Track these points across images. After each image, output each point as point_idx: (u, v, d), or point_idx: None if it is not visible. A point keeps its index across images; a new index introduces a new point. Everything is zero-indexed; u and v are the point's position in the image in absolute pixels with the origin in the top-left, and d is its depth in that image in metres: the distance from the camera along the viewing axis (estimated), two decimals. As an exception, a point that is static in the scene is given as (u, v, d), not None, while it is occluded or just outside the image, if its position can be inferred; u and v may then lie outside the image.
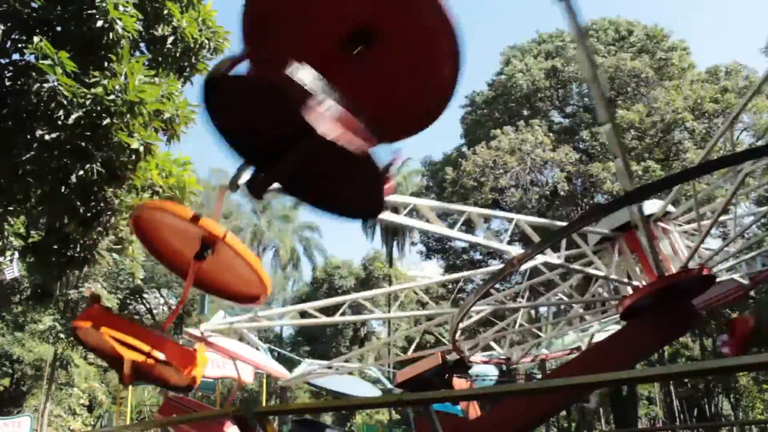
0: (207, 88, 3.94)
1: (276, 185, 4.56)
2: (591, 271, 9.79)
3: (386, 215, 8.79)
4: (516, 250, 9.63)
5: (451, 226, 32.09)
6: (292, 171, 4.32)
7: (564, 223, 11.49)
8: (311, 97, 3.55)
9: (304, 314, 16.35)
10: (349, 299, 15.25)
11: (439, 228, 9.63)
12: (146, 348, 6.30)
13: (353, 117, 3.76)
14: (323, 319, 14.83)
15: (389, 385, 23.87)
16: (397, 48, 3.99)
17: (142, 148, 8.56)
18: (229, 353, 13.93)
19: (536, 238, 9.42)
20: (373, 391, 22.73)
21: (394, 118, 4.36)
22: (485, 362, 16.61)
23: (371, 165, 3.95)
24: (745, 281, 12.50)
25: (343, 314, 16.33)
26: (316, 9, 3.95)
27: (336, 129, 3.69)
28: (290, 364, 21.48)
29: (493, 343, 15.79)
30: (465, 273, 21.83)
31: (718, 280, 12.28)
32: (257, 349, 16.88)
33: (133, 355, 6.19)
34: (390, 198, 8.19)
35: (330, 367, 17.81)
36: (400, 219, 8.95)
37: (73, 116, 8.03)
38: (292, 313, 12.83)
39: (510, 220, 10.23)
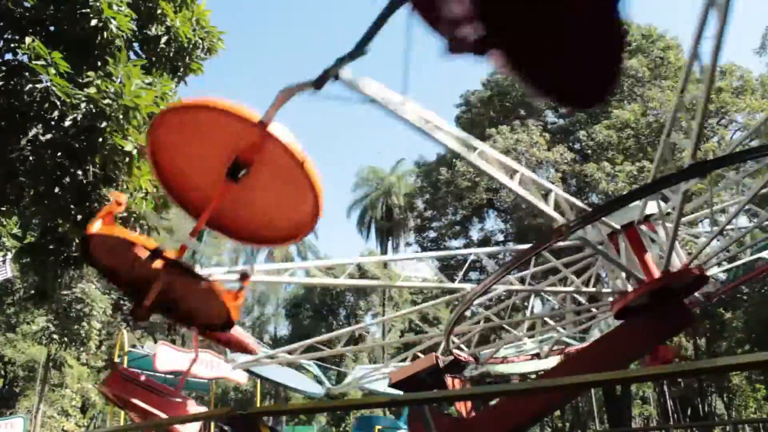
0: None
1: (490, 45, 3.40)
2: (611, 256, 9.57)
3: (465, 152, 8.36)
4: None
5: (449, 225, 31.56)
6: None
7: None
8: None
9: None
10: (355, 261, 14.98)
11: (504, 177, 8.96)
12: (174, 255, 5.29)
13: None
14: (328, 281, 14.67)
15: (328, 384, 23.79)
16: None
17: (135, 152, 8.55)
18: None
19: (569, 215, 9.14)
20: (314, 387, 22.74)
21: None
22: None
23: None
24: (701, 297, 12.54)
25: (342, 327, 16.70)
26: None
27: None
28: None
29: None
30: (476, 250, 21.16)
31: (743, 261, 12.32)
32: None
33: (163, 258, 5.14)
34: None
35: (271, 357, 17.70)
36: (476, 160, 8.44)
37: (69, 118, 8.00)
38: (291, 270, 12.55)
39: (549, 191, 9.68)
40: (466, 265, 14.72)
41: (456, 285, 13.14)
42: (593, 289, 11.97)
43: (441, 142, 7.85)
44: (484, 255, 12.40)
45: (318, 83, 5.31)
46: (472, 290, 10.84)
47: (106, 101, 8.06)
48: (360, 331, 49.59)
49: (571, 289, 11.65)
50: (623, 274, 9.71)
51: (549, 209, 8.77)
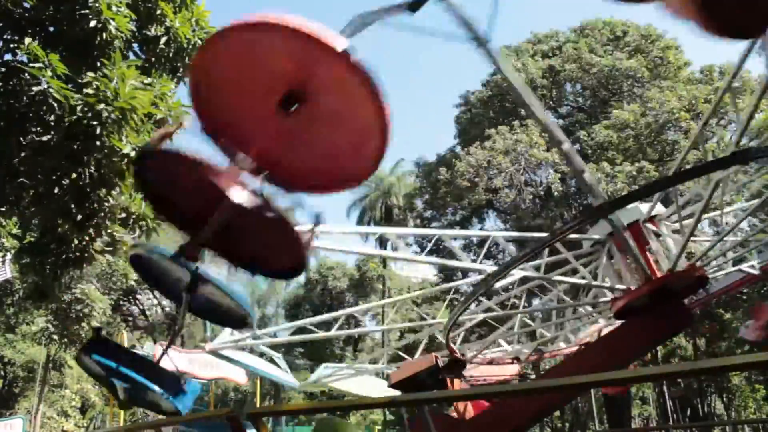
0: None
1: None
2: (611, 255, 9.63)
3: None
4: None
5: (449, 225, 31.63)
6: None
7: (540, 235, 11.53)
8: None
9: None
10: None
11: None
12: None
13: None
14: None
15: (292, 379, 23.49)
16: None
17: (132, 153, 8.54)
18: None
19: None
20: (289, 378, 22.70)
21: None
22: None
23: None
24: (756, 271, 12.66)
25: (340, 327, 17.13)
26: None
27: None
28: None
29: (502, 342, 15.80)
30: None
31: (725, 272, 12.44)
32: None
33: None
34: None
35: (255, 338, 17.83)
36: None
37: (65, 121, 8.00)
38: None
39: (486, 239, 10.05)
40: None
41: (477, 266, 12.91)
42: (604, 284, 11.87)
43: None
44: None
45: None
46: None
47: (101, 105, 8.05)
48: (360, 332, 49.79)
49: (583, 281, 11.47)
50: (626, 273, 9.73)
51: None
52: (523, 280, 13.90)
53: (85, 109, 8.04)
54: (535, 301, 18.76)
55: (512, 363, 16.02)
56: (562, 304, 13.32)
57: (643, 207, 10.01)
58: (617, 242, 9.72)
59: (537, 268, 13.01)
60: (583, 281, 11.06)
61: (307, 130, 4.56)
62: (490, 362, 15.94)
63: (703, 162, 9.01)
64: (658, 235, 9.82)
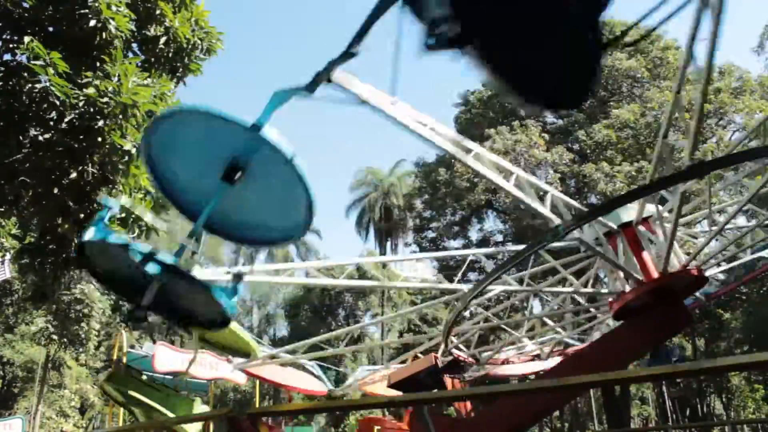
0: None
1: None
2: (609, 256, 9.63)
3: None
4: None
5: (448, 226, 31.42)
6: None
7: (517, 248, 11.45)
8: None
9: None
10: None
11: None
12: None
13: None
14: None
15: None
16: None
17: (134, 150, 8.54)
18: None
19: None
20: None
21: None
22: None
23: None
24: (702, 297, 12.74)
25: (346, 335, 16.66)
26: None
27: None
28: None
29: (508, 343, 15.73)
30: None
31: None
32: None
33: None
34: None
35: (273, 357, 17.93)
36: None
37: (67, 118, 8.01)
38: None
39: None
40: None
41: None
42: (592, 290, 11.96)
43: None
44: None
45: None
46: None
47: (104, 100, 8.05)
48: (359, 331, 49.70)
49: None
50: (622, 275, 9.70)
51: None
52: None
53: (87, 106, 8.04)
54: (537, 302, 18.75)
55: (533, 360, 15.97)
56: (563, 309, 13.34)
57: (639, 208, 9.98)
58: (612, 245, 9.71)
59: (533, 276, 13.08)
60: (570, 290, 11.11)
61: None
62: (505, 362, 15.91)
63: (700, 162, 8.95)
64: (652, 235, 9.80)
